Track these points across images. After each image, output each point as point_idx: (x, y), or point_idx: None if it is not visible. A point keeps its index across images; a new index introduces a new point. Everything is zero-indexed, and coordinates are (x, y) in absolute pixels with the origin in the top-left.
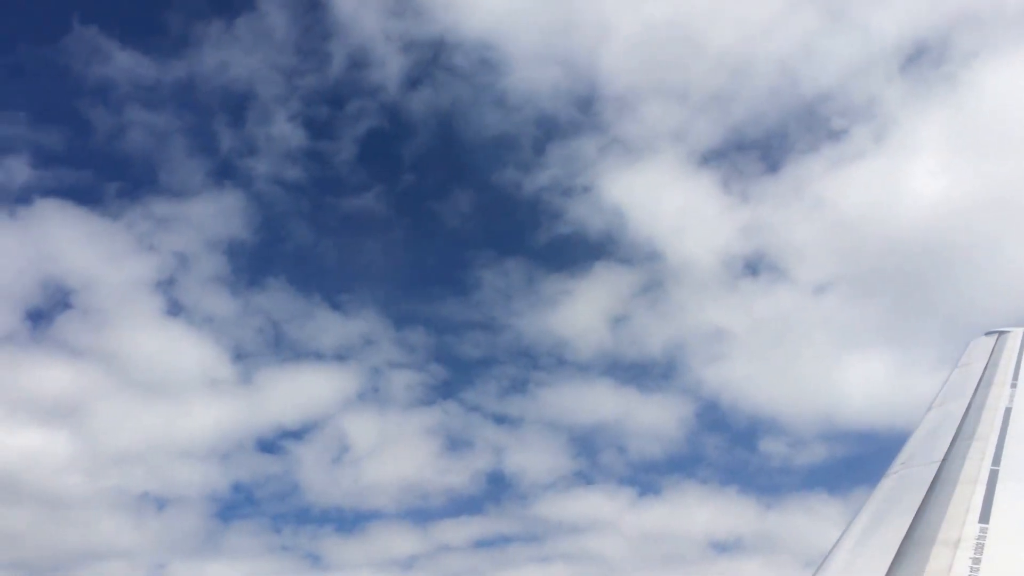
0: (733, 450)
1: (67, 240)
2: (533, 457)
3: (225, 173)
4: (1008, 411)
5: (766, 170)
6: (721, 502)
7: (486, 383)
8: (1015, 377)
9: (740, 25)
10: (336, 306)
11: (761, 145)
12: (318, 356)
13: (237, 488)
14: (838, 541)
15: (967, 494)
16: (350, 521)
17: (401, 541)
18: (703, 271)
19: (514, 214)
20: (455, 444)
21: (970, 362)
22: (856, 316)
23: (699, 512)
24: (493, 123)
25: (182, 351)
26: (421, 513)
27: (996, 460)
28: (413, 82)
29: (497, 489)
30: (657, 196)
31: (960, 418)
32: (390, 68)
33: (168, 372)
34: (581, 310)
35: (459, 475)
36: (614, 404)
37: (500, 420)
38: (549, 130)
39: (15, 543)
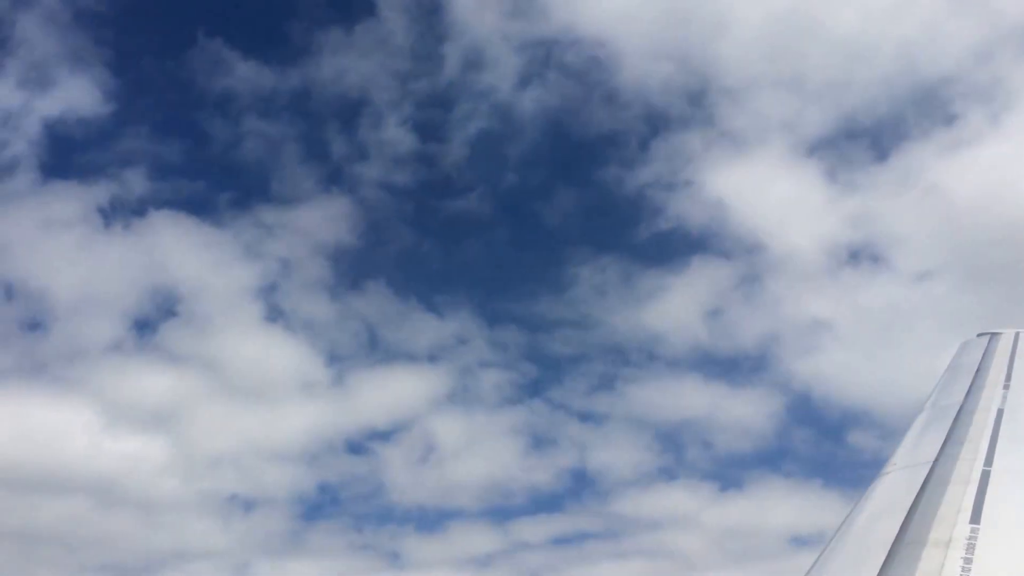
0: (821, 443)
1: (176, 250)
2: (616, 454)
3: (334, 179)
4: (1000, 412)
5: (875, 158)
6: (805, 496)
7: (574, 381)
8: (1007, 378)
9: (862, 10)
10: (431, 307)
11: (872, 132)
12: (411, 357)
13: (323, 489)
14: (829, 542)
15: (959, 495)
16: (431, 520)
17: (479, 539)
18: (803, 262)
19: (614, 211)
20: (539, 442)
21: (962, 363)
22: (962, 306)
23: (781, 507)
24: (600, 121)
25: (278, 356)
26: (500, 511)
27: (988, 461)
28: (524, 82)
29: (578, 486)
30: (761, 188)
31: (952, 419)
32: (503, 69)
33: (264, 377)
34: (675, 305)
35: (541, 473)
36: (702, 399)
37: (585, 418)
38: (656, 125)
39: (109, 546)
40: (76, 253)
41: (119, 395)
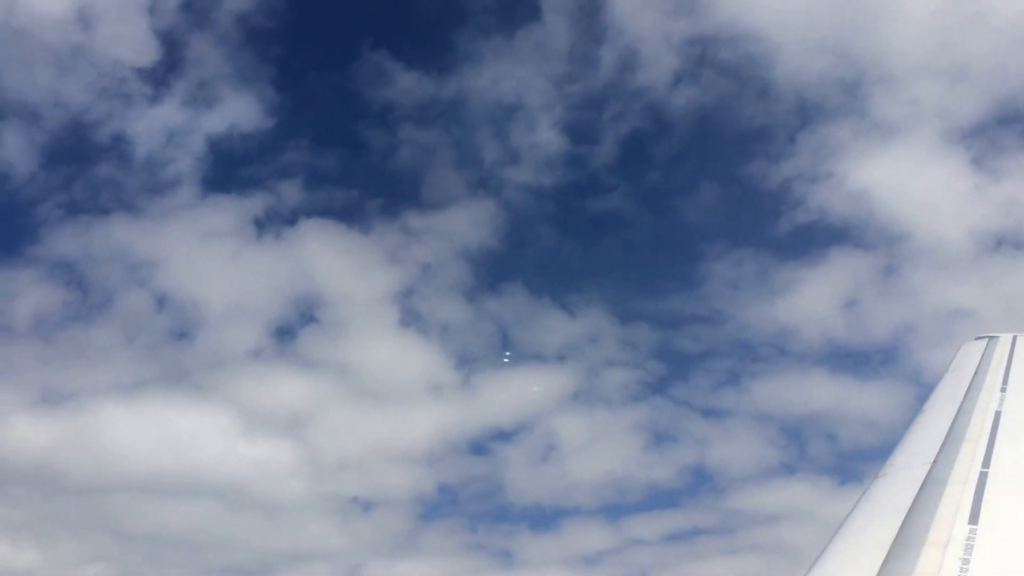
0: None
1: (322, 257)
2: (736, 450)
3: (482, 184)
4: (998, 414)
5: None
6: None
7: (700, 377)
8: (1004, 381)
9: None
10: (564, 307)
11: None
12: (539, 357)
13: (442, 489)
14: (829, 542)
15: (957, 496)
16: (545, 518)
17: (592, 537)
18: (947, 251)
19: (755, 205)
20: (660, 439)
21: (961, 366)
22: None
23: None
24: (751, 116)
25: (409, 359)
26: (615, 509)
27: (986, 462)
28: (678, 80)
29: (696, 483)
30: (907, 177)
31: (951, 421)
32: (659, 68)
33: (394, 380)
34: (810, 298)
35: (660, 470)
36: (829, 393)
37: (708, 414)
38: (804, 118)
39: (232, 548)
40: (227, 263)
41: (256, 401)
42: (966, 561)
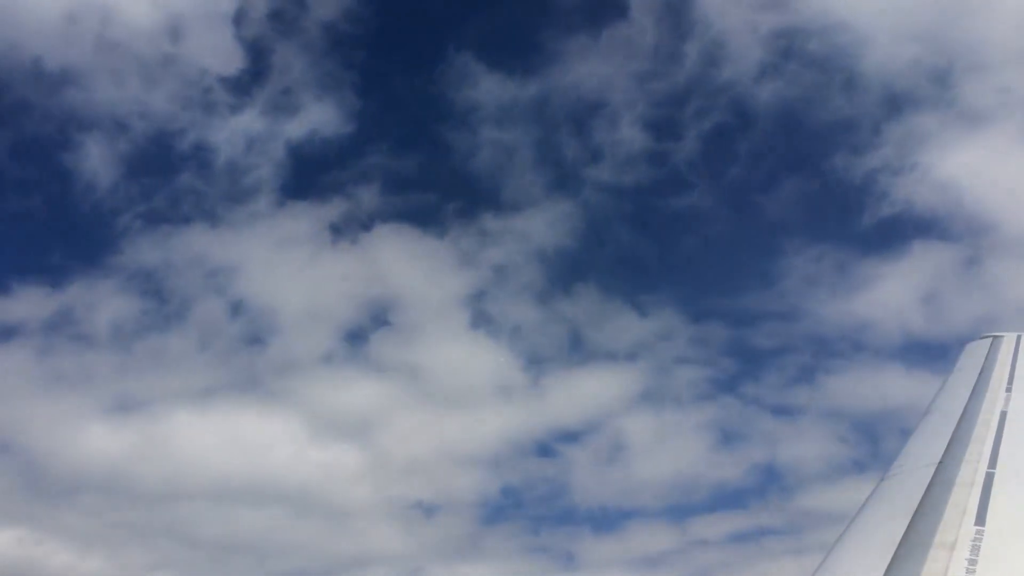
0: None
1: (395, 261)
2: (807, 448)
3: (561, 184)
4: (1004, 414)
5: None
6: None
7: (772, 375)
8: (1010, 381)
9: None
10: (636, 306)
11: None
12: (609, 357)
13: (506, 492)
14: (835, 544)
15: (963, 497)
16: (609, 520)
17: (656, 538)
18: None
19: (838, 199)
20: (728, 438)
21: (966, 366)
22: None
23: None
24: (836, 108)
25: (478, 362)
26: (680, 509)
27: (992, 463)
28: (763, 74)
29: (764, 482)
30: (994, 166)
31: (956, 422)
32: (744, 63)
33: (462, 383)
34: (889, 293)
35: (727, 470)
36: (904, 389)
37: (779, 412)
38: (891, 109)
39: (297, 552)
40: (302, 269)
41: (325, 405)
42: (973, 563)
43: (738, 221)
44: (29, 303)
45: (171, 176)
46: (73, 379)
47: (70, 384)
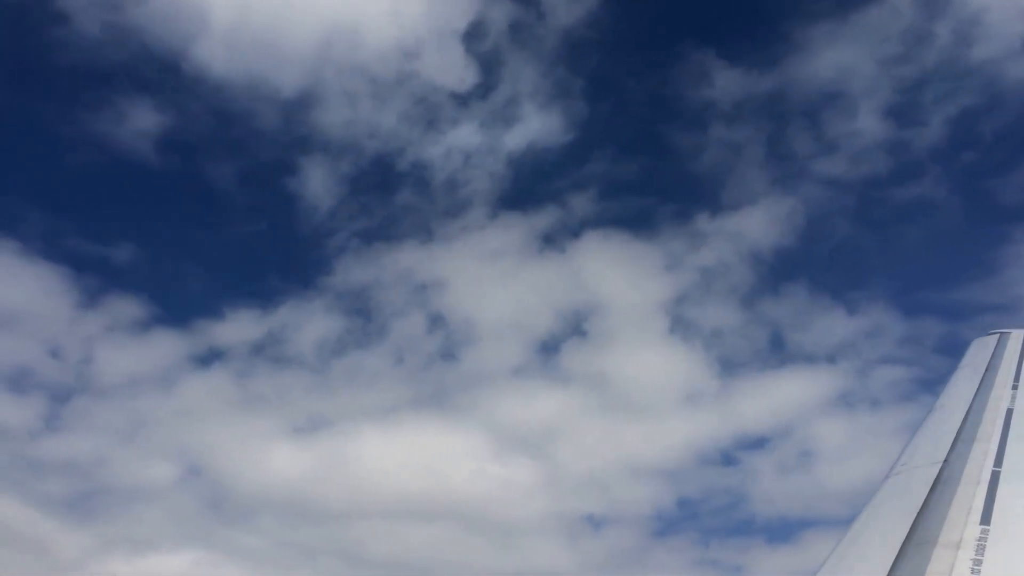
0: None
1: (600, 269)
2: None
3: (786, 180)
4: (1010, 412)
5: None
6: None
7: None
8: (1016, 378)
9: None
10: (844, 304)
11: None
12: (808, 359)
13: (682, 503)
14: (840, 542)
15: (968, 495)
16: (786, 530)
17: (830, 548)
18: None
19: None
20: None
21: (972, 363)
22: None
23: None
24: None
25: (669, 368)
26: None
27: (998, 461)
28: (1020, 51)
29: None
30: None
31: (962, 419)
32: (1000, 39)
33: (650, 391)
34: None
35: None
36: None
37: None
38: None
39: (462, 569)
40: (505, 281)
41: (509, 419)
42: (978, 562)
43: (968, 210)
44: (240, 327)
45: (389, 194)
46: (268, 400)
47: (265, 405)
